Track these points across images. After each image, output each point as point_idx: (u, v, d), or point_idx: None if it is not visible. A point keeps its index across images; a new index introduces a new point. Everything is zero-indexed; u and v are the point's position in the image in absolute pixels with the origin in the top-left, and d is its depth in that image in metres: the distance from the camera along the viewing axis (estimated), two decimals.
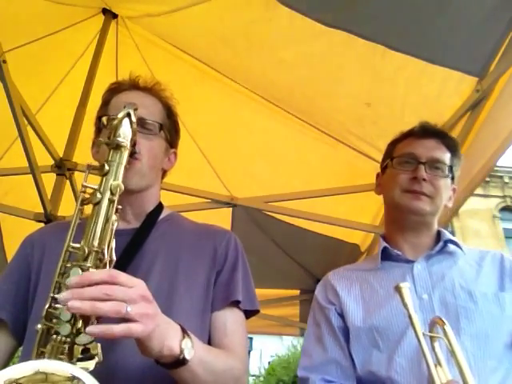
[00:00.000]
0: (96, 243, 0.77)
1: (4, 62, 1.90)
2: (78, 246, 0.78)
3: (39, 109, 2.49)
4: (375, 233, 2.77)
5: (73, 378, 0.64)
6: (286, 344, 13.74)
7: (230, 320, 1.02)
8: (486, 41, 1.69)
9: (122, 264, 0.95)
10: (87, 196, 0.83)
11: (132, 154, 0.95)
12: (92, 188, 0.82)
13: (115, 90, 1.12)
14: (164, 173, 1.18)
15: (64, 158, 2.31)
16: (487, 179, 15.36)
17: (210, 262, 1.05)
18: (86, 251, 0.76)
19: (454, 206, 2.19)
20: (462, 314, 1.08)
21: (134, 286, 0.72)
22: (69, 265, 0.77)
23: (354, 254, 3.08)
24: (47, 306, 0.75)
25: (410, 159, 1.25)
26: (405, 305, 0.97)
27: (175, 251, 1.05)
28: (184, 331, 0.81)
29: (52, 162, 2.32)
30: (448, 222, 2.51)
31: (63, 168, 2.30)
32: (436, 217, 1.26)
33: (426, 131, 1.30)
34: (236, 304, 1.03)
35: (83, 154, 2.20)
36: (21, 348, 0.99)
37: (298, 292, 3.61)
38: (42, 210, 2.25)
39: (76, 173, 2.39)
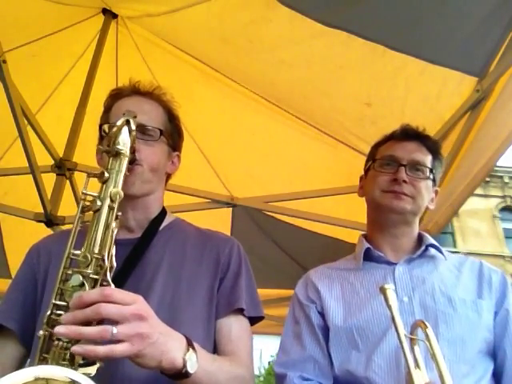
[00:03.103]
0: (96, 250, 0.78)
1: (4, 62, 1.90)
2: (78, 252, 0.78)
3: (39, 109, 2.48)
4: None
5: (72, 382, 0.65)
6: None
7: (234, 327, 1.02)
8: (485, 41, 1.69)
9: (124, 274, 0.96)
10: (87, 203, 0.84)
11: (133, 161, 0.96)
12: (92, 195, 0.82)
13: (116, 96, 1.12)
14: (168, 176, 1.19)
15: (64, 158, 2.31)
16: (487, 179, 15.38)
17: (213, 271, 1.06)
18: (87, 258, 0.76)
19: (454, 206, 2.19)
20: (440, 319, 1.09)
21: (129, 303, 0.72)
22: (70, 271, 0.78)
23: None
24: (49, 312, 0.75)
25: (391, 161, 1.26)
26: (389, 306, 0.97)
27: (178, 261, 1.05)
28: (189, 344, 0.81)
29: (52, 162, 2.32)
30: (448, 222, 2.51)
31: (63, 168, 2.30)
32: (417, 217, 1.27)
33: (407, 134, 1.31)
34: (240, 311, 1.03)
35: (83, 154, 2.21)
36: None
37: None
38: (42, 210, 2.25)
39: (76, 173, 2.39)
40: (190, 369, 0.78)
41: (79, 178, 2.45)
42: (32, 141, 2.14)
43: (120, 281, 0.92)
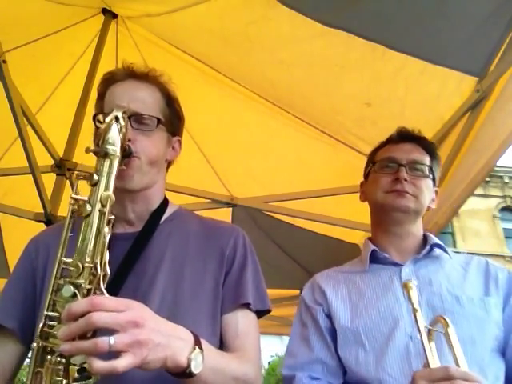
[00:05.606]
0: (88, 258, 0.73)
1: (4, 62, 1.90)
2: (69, 261, 0.75)
3: (39, 109, 2.48)
4: None
5: None
6: (286, 344, 13.74)
7: (241, 322, 0.99)
8: (486, 41, 1.69)
9: (125, 270, 0.93)
10: (77, 208, 0.80)
11: (129, 153, 0.92)
12: (82, 200, 0.78)
13: (109, 80, 1.05)
14: (169, 163, 1.13)
15: (64, 158, 2.31)
16: (487, 179, 15.38)
17: (217, 264, 1.02)
18: (78, 267, 0.73)
19: (454, 206, 2.19)
20: (448, 318, 1.08)
21: (122, 310, 0.69)
22: (61, 282, 0.74)
23: (353, 254, 3.06)
24: (41, 324, 0.73)
25: (391, 163, 1.28)
26: (412, 304, 0.99)
27: (181, 255, 1.01)
28: (196, 342, 0.78)
29: (52, 162, 2.32)
30: (448, 222, 2.51)
31: (63, 168, 2.30)
32: (420, 217, 1.28)
33: (403, 136, 1.34)
34: (247, 305, 1.00)
35: (83, 154, 2.20)
36: None
37: (298, 292, 3.60)
38: (42, 210, 2.25)
39: (76, 173, 2.39)
40: (194, 369, 0.75)
41: None
42: (32, 141, 2.14)
43: (120, 277, 0.90)
